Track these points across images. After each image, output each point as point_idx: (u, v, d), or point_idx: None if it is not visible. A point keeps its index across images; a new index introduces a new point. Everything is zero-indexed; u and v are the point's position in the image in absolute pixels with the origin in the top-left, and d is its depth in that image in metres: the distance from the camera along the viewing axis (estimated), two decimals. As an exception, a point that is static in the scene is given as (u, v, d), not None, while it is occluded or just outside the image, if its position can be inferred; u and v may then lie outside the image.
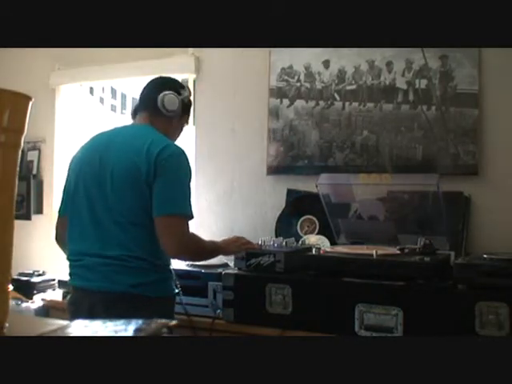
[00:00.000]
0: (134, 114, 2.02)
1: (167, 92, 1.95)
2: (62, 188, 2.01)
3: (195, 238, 1.88)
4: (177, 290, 1.95)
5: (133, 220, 1.80)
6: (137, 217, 1.80)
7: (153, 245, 1.82)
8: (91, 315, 1.72)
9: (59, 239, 2.01)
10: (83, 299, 1.81)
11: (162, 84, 2.02)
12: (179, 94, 1.99)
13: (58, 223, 2.02)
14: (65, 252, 2.00)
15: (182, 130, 2.09)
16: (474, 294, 1.71)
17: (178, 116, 2.00)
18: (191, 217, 1.83)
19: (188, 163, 1.86)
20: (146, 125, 1.94)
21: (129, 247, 1.79)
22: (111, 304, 1.73)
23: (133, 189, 1.79)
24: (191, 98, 2.10)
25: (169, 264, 1.92)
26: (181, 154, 1.85)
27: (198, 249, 1.91)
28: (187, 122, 2.12)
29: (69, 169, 1.99)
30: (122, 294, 1.75)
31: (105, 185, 1.82)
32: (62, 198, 2.00)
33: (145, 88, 2.04)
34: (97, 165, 1.86)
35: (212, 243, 1.99)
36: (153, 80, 2.06)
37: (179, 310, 2.13)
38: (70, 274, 1.90)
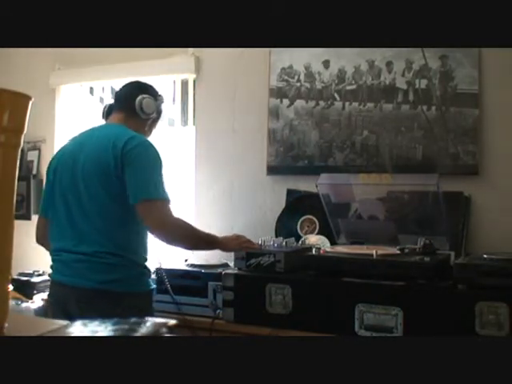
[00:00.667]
0: (108, 114, 2.12)
1: (145, 96, 2.05)
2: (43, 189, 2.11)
3: (182, 220, 1.93)
4: (153, 286, 1.99)
5: (105, 216, 1.87)
6: (109, 212, 1.87)
7: (127, 240, 1.89)
8: (66, 308, 1.84)
9: (39, 240, 2.12)
10: (59, 293, 1.91)
11: (140, 88, 2.11)
12: (156, 99, 2.10)
13: (38, 224, 2.12)
14: (49, 251, 2.08)
15: (151, 134, 2.18)
16: (474, 294, 1.71)
17: (151, 120, 2.10)
18: (169, 200, 1.88)
19: (156, 151, 1.92)
20: (118, 124, 2.02)
21: (101, 243, 1.86)
22: (84, 299, 1.81)
23: (103, 184, 1.86)
24: (163, 104, 2.20)
25: (144, 259, 1.97)
26: (146, 143, 1.92)
27: (186, 230, 1.94)
28: (155, 127, 2.22)
29: (47, 171, 2.08)
30: (93, 290, 1.82)
31: (78, 184, 1.90)
32: (42, 199, 2.09)
33: (121, 90, 2.14)
34: (71, 166, 1.94)
35: (210, 235, 2.03)
36: (130, 83, 2.16)
37: (179, 310, 2.14)
38: (51, 268, 1.99)
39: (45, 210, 2.05)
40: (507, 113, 2.31)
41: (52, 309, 1.95)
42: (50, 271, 2.01)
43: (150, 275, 1.99)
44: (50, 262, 1.99)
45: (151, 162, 1.88)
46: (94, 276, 1.83)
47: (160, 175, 1.88)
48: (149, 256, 2.00)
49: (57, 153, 2.09)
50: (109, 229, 1.87)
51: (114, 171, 1.84)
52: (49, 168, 2.06)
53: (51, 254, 1.99)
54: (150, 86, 2.15)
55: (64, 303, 1.86)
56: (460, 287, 1.76)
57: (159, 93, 2.16)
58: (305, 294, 1.93)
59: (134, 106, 2.03)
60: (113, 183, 1.85)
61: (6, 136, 0.81)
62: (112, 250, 1.85)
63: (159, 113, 2.15)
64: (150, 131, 2.14)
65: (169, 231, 1.89)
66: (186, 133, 3.03)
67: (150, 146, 1.92)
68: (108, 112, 2.12)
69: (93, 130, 2.07)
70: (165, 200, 1.86)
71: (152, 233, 1.90)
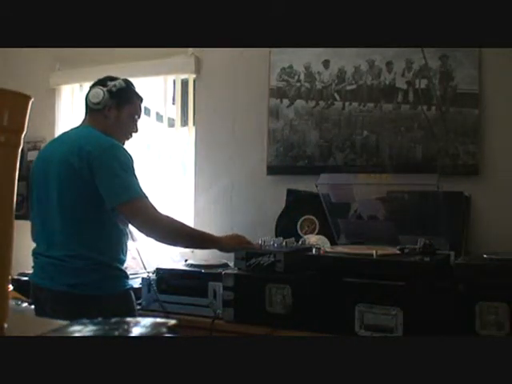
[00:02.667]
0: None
1: (92, 88, 2.05)
2: None
3: (170, 217, 1.96)
4: (129, 286, 2.00)
5: (75, 218, 1.89)
6: (78, 214, 1.89)
7: (97, 242, 1.91)
8: (44, 309, 1.85)
9: (34, 239, 2.12)
10: (35, 294, 1.95)
11: (94, 84, 2.09)
12: (105, 85, 2.04)
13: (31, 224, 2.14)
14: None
15: (128, 122, 2.09)
16: (474, 294, 1.71)
17: (110, 107, 2.03)
18: (147, 196, 1.90)
19: (124, 151, 1.93)
20: (85, 125, 2.04)
21: (70, 247, 1.88)
22: (55, 301, 1.85)
23: (71, 187, 1.88)
24: (130, 88, 2.11)
25: (117, 260, 1.97)
26: (112, 146, 1.91)
27: (176, 226, 1.97)
28: (137, 114, 2.12)
29: (29, 175, 2.10)
30: (62, 292, 1.85)
31: (49, 188, 1.93)
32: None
33: None
34: (44, 170, 1.97)
35: (205, 233, 2.07)
36: None
37: (179, 310, 2.14)
38: (33, 268, 2.03)
39: (30, 215, 2.08)
40: (507, 113, 2.31)
41: (34, 310, 1.98)
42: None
43: (126, 276, 2.00)
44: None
45: (122, 163, 1.89)
46: (61, 279, 1.87)
47: (133, 174, 1.90)
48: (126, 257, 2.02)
49: (35, 160, 2.11)
50: (78, 231, 1.89)
51: (80, 172, 1.86)
52: (29, 176, 2.09)
53: (32, 257, 2.03)
54: (104, 78, 2.10)
55: (41, 304, 1.88)
56: (460, 287, 1.76)
57: (113, 78, 2.08)
58: (305, 294, 1.93)
59: (87, 102, 2.04)
60: (81, 185, 1.87)
61: (6, 136, 0.81)
62: (81, 253, 1.87)
63: (118, 97, 2.03)
64: (120, 121, 2.05)
65: (159, 227, 1.91)
66: (186, 133, 3.03)
67: (118, 147, 1.93)
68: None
69: (64, 133, 2.11)
70: (145, 197, 1.89)
71: (142, 232, 1.92)
